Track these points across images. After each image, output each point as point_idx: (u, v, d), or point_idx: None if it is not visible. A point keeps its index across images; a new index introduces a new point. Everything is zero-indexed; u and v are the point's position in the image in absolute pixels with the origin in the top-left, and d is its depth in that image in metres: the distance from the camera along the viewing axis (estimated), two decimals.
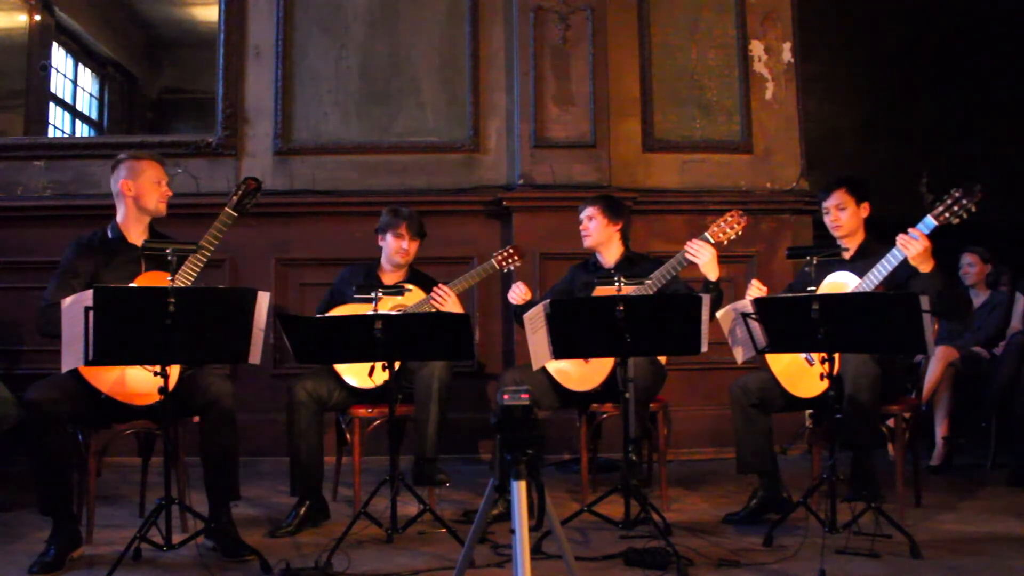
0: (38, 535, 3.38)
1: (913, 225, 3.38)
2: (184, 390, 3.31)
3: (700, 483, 4.54)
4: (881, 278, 3.48)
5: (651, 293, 3.77)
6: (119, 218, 3.60)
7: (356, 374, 3.84)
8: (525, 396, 2.33)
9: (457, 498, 4.18)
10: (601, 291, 3.82)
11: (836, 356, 3.16)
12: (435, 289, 4.00)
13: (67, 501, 3.21)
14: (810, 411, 3.81)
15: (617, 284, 3.53)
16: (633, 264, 4.08)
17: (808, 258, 3.38)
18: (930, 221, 3.35)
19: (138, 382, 3.27)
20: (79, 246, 3.55)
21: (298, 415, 3.78)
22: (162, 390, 3.03)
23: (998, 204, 4.23)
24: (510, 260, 4.13)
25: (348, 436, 3.96)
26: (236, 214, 3.59)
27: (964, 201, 3.30)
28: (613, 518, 3.47)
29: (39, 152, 5.51)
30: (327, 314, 4.01)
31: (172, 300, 2.92)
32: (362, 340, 3.24)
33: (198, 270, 3.43)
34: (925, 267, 3.40)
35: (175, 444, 3.40)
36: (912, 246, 3.36)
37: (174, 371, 3.21)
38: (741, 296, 3.70)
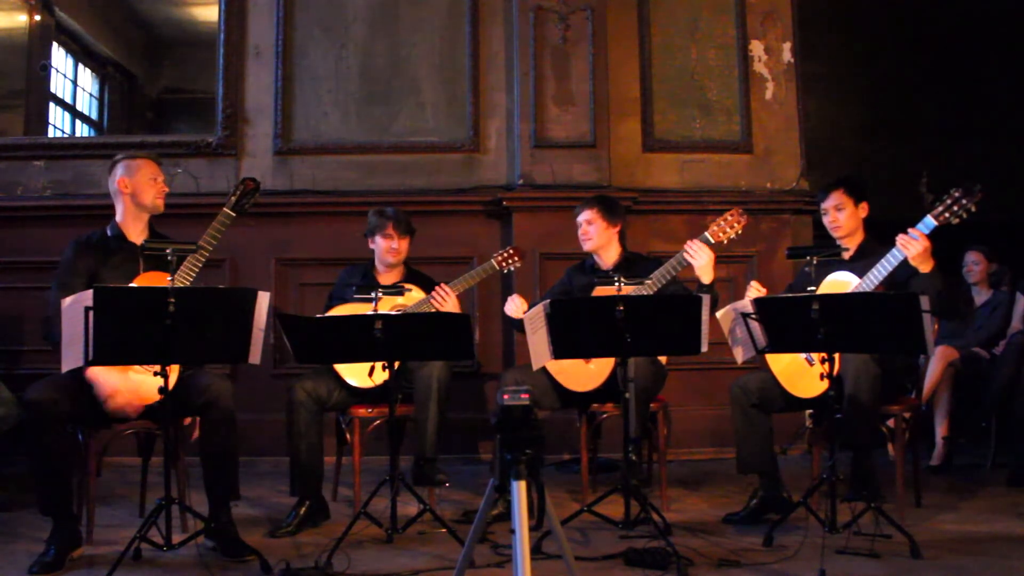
0: (38, 535, 3.38)
1: (913, 225, 3.38)
2: (183, 390, 3.31)
3: (700, 483, 4.54)
4: (881, 278, 3.48)
5: (651, 293, 3.77)
6: (118, 217, 3.62)
7: (356, 374, 3.84)
8: (525, 396, 2.33)
9: (457, 498, 4.18)
10: (601, 291, 3.82)
11: (836, 356, 3.16)
12: (436, 289, 4.00)
13: (67, 501, 3.21)
14: (810, 411, 3.81)
15: (617, 284, 3.53)
16: (632, 265, 4.07)
17: (808, 258, 3.38)
18: (930, 221, 3.35)
19: (139, 389, 3.28)
20: (78, 245, 3.57)
21: (297, 415, 3.78)
22: (162, 390, 3.04)
23: (998, 204, 4.24)
24: (510, 261, 4.13)
25: (348, 436, 3.95)
26: (234, 214, 3.61)
27: (964, 201, 3.30)
28: (613, 518, 3.47)
29: (39, 152, 5.51)
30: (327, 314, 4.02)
31: (172, 300, 2.92)
32: (362, 340, 3.24)
33: (197, 270, 3.45)
34: (925, 267, 3.40)
35: (175, 444, 3.40)
36: (912, 246, 3.36)
37: (173, 371, 3.21)
38: (741, 296, 3.70)
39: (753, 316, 3.29)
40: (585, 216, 4.10)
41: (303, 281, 5.34)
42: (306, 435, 3.76)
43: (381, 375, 3.40)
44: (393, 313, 3.52)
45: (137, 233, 3.59)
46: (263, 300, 3.11)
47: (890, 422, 3.79)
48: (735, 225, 3.84)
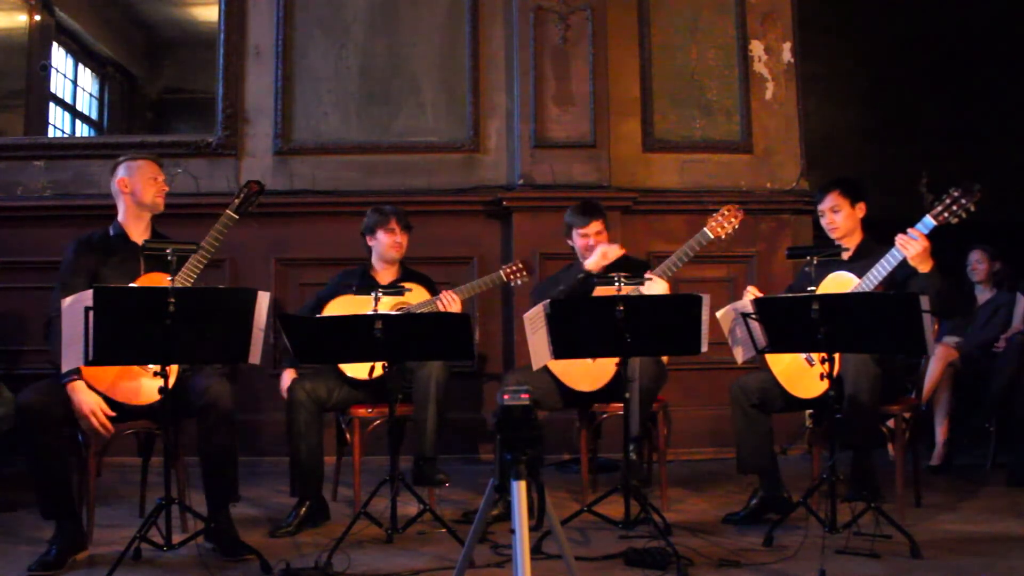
0: (39, 535, 3.39)
1: (913, 225, 3.38)
2: (182, 391, 3.31)
3: (700, 483, 4.54)
4: (880, 278, 3.48)
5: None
6: (120, 217, 3.64)
7: (354, 366, 3.86)
8: (525, 396, 2.33)
9: (457, 498, 4.18)
10: (601, 291, 3.82)
11: (836, 356, 3.16)
12: (442, 294, 4.04)
13: (68, 503, 3.20)
14: (810, 411, 3.82)
15: (617, 284, 3.53)
16: (631, 268, 4.07)
17: (808, 258, 3.38)
18: (929, 221, 3.35)
19: (135, 384, 3.28)
20: (79, 244, 3.59)
21: (297, 415, 3.78)
22: (162, 390, 3.04)
23: (999, 204, 4.24)
24: (518, 275, 4.19)
25: (348, 436, 3.96)
26: (237, 216, 3.63)
27: (963, 201, 3.30)
28: (613, 518, 3.47)
29: (39, 152, 5.51)
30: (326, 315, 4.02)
31: (172, 300, 2.92)
32: (362, 340, 3.23)
33: (199, 271, 3.46)
34: (924, 267, 3.41)
35: (175, 444, 3.40)
36: (911, 246, 3.36)
37: (172, 371, 3.21)
38: (740, 297, 3.70)
39: (753, 316, 3.29)
40: (595, 228, 4.16)
41: (303, 281, 5.33)
42: (306, 435, 3.77)
43: (380, 369, 3.43)
44: (393, 313, 3.52)
45: (139, 233, 3.61)
46: (263, 300, 3.11)
47: (890, 422, 3.79)
48: (732, 220, 3.93)
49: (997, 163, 7.60)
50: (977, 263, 5.27)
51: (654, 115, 5.55)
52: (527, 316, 3.55)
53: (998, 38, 8.04)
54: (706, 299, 3.31)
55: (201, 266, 3.46)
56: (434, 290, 4.20)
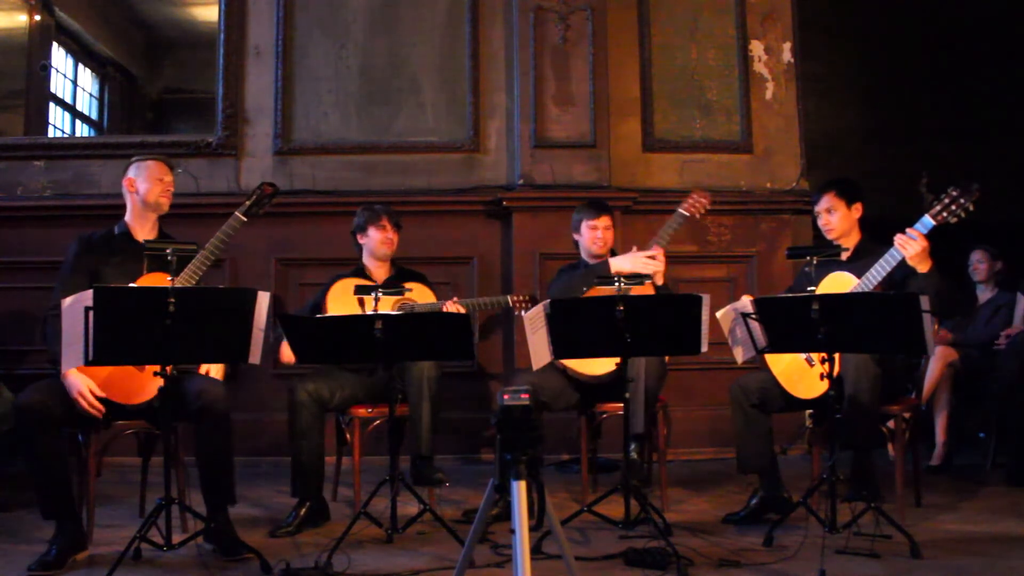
0: (40, 535, 3.39)
1: (912, 225, 3.38)
2: (178, 394, 3.30)
3: (700, 483, 4.54)
4: (880, 278, 3.48)
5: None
6: (126, 216, 3.67)
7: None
8: (525, 396, 2.33)
9: (457, 498, 4.18)
10: (600, 291, 3.82)
11: (836, 356, 3.16)
12: (448, 304, 4.08)
13: (68, 503, 3.20)
14: (810, 411, 3.82)
15: (617, 284, 3.53)
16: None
17: (808, 258, 3.38)
18: (928, 221, 3.35)
19: (130, 380, 3.29)
20: (81, 242, 3.61)
21: (299, 416, 3.78)
22: (161, 390, 3.04)
23: (999, 204, 4.24)
24: (524, 305, 4.25)
25: (348, 436, 3.96)
26: (245, 219, 3.66)
27: (962, 200, 3.30)
28: (613, 518, 3.47)
29: (39, 152, 5.51)
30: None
31: (172, 300, 2.92)
32: (362, 340, 3.24)
33: (203, 271, 3.48)
34: (923, 267, 3.41)
35: (175, 444, 3.41)
36: (910, 246, 3.36)
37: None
38: (740, 297, 3.70)
39: (753, 316, 3.29)
40: (605, 223, 4.17)
41: (303, 281, 5.33)
42: (308, 436, 3.77)
43: None
44: (393, 313, 3.52)
45: (144, 233, 3.63)
46: (263, 300, 3.11)
47: (890, 422, 3.79)
48: (702, 200, 4.06)
49: (997, 163, 7.60)
50: (978, 263, 5.27)
51: (654, 115, 5.55)
52: (527, 316, 3.55)
53: (998, 38, 8.04)
54: (706, 299, 3.31)
55: (206, 267, 3.48)
56: (430, 288, 4.23)
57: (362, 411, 3.88)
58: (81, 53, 8.46)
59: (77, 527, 3.21)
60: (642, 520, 3.42)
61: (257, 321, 3.10)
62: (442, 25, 5.54)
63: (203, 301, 3.10)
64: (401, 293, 3.80)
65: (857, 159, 7.74)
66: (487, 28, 5.53)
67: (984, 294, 5.25)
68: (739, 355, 3.51)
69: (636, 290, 3.49)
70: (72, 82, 8.42)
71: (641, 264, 3.94)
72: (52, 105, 7.98)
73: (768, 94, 5.60)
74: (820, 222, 3.86)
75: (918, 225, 3.37)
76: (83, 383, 3.21)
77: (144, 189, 3.61)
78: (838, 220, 3.79)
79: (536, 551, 3.15)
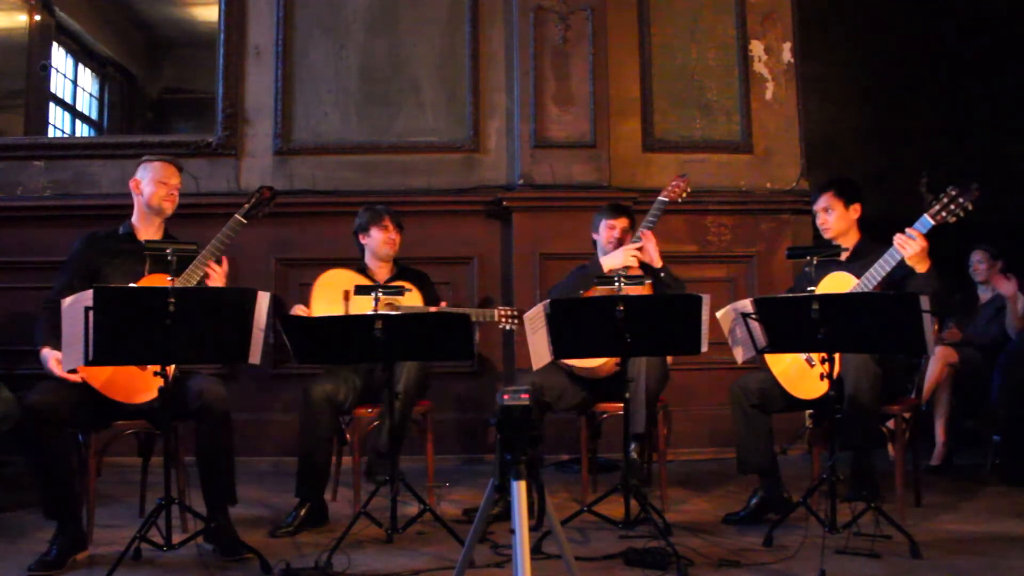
0: (40, 535, 3.39)
1: (911, 224, 3.38)
2: (177, 393, 3.30)
3: (700, 483, 4.54)
4: (879, 278, 3.48)
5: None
6: (132, 216, 3.68)
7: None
8: (525, 396, 2.33)
9: (457, 498, 4.18)
10: (600, 291, 3.82)
11: (836, 356, 3.16)
12: (433, 310, 4.03)
13: (71, 504, 3.21)
14: (810, 411, 3.82)
15: (617, 284, 3.53)
16: (643, 271, 4.07)
17: (808, 258, 3.38)
18: (927, 220, 3.36)
19: (131, 380, 3.29)
20: (87, 239, 3.64)
21: (313, 416, 3.77)
22: (162, 390, 3.04)
23: (999, 204, 4.24)
24: (510, 321, 4.19)
25: (348, 436, 3.96)
26: (246, 221, 3.67)
27: (961, 200, 3.30)
28: (613, 518, 3.47)
29: (39, 152, 5.51)
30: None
31: (172, 300, 2.92)
32: (362, 340, 3.23)
33: (204, 272, 3.48)
34: (921, 267, 3.41)
35: (175, 444, 3.40)
36: (909, 246, 3.37)
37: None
38: (740, 297, 3.70)
39: (753, 316, 3.29)
40: (623, 224, 4.21)
41: (303, 281, 5.30)
42: (320, 437, 3.77)
43: None
44: (393, 313, 3.52)
45: (149, 234, 3.64)
46: (263, 300, 3.11)
47: (890, 422, 3.79)
48: (681, 183, 4.21)
49: (997, 163, 7.59)
50: (978, 263, 5.27)
51: (654, 115, 5.55)
52: (527, 316, 3.56)
53: (998, 38, 8.04)
54: (706, 299, 3.31)
55: (206, 267, 3.49)
56: (431, 288, 4.24)
57: (362, 411, 3.88)
58: (81, 53, 8.45)
59: (77, 527, 3.21)
60: (642, 520, 3.42)
61: (257, 321, 3.10)
62: (442, 25, 5.54)
63: (203, 301, 3.10)
64: (401, 293, 3.80)
65: (857, 159, 7.74)
66: (487, 28, 5.53)
67: (985, 294, 5.25)
68: (739, 355, 3.51)
69: (636, 290, 3.50)
70: (72, 82, 8.42)
71: (630, 256, 4.02)
72: (52, 105, 7.97)
73: (768, 94, 5.60)
74: (818, 221, 3.88)
75: (917, 225, 3.37)
76: (53, 358, 3.26)
77: (148, 192, 3.62)
78: (835, 219, 3.79)
79: (536, 551, 3.15)
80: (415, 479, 3.71)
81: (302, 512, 3.67)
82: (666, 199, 4.19)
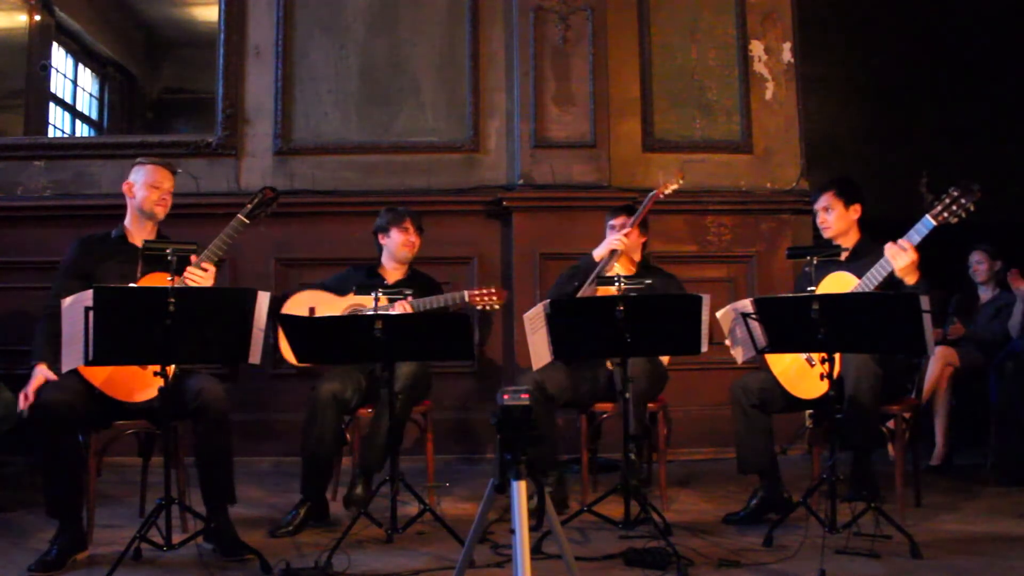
0: (41, 535, 3.39)
1: (913, 224, 3.38)
2: (176, 393, 3.29)
3: (700, 483, 4.54)
4: (878, 282, 3.48)
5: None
6: (125, 219, 3.67)
7: None
8: (525, 396, 2.33)
9: (457, 498, 4.17)
10: (601, 291, 3.83)
11: (837, 356, 3.16)
12: (397, 303, 3.94)
13: (76, 503, 3.21)
14: (810, 411, 3.82)
15: (617, 284, 3.53)
16: (651, 274, 4.05)
17: (808, 258, 3.38)
18: (929, 221, 3.35)
19: (131, 378, 3.29)
20: (81, 243, 3.63)
21: (321, 416, 3.76)
22: (162, 390, 3.04)
23: (998, 205, 4.23)
24: (487, 299, 4.10)
25: (348, 436, 3.95)
26: (248, 221, 3.65)
27: (963, 201, 3.30)
28: (613, 518, 3.47)
29: (39, 152, 5.50)
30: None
31: (172, 300, 2.92)
32: (362, 340, 3.23)
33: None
34: (911, 279, 3.41)
35: (175, 444, 3.40)
36: (900, 257, 3.38)
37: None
38: (741, 297, 3.70)
39: (753, 316, 3.29)
40: (621, 221, 4.20)
41: (303, 281, 5.30)
42: (326, 437, 3.76)
43: None
44: (394, 313, 3.52)
45: (142, 237, 3.62)
46: (263, 300, 3.11)
47: (890, 422, 3.79)
48: (672, 176, 4.25)
49: (997, 163, 7.59)
50: (978, 263, 5.28)
51: (654, 115, 5.54)
52: (527, 316, 3.56)
53: (998, 38, 8.04)
54: (706, 299, 3.31)
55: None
56: (437, 292, 4.22)
57: (362, 411, 3.88)
58: (81, 53, 8.45)
59: (78, 527, 3.21)
60: (642, 520, 3.42)
61: (257, 321, 3.10)
62: (442, 25, 5.53)
63: (203, 301, 3.10)
64: (401, 295, 3.80)
65: (857, 159, 7.74)
66: (487, 28, 5.53)
67: (985, 294, 5.25)
68: (739, 355, 3.51)
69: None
70: (72, 82, 8.42)
71: (615, 243, 4.07)
72: (52, 105, 7.97)
73: (768, 94, 5.59)
74: (818, 220, 3.89)
75: (913, 232, 3.37)
76: (31, 386, 3.30)
77: (140, 196, 3.60)
78: (834, 219, 3.80)
79: (536, 551, 3.15)
80: (415, 479, 3.72)
81: (302, 511, 3.67)
82: (659, 197, 4.25)
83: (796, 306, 3.14)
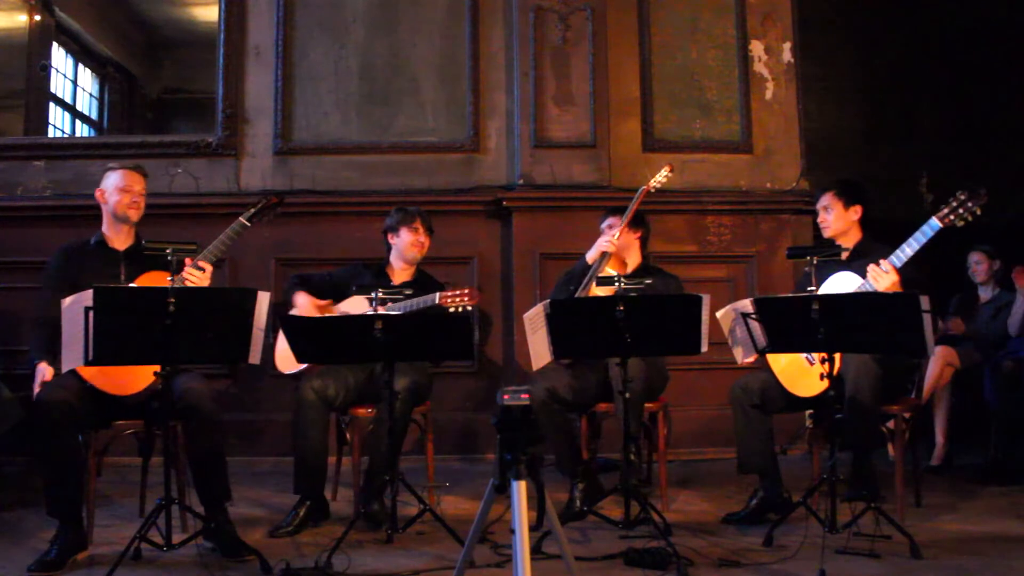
0: (41, 535, 3.39)
1: (915, 225, 3.38)
2: (165, 393, 3.28)
3: (700, 483, 4.54)
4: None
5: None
6: (103, 225, 3.68)
7: None
8: (525, 396, 2.33)
9: (457, 498, 4.18)
10: (600, 292, 3.83)
11: (837, 356, 3.16)
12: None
13: (76, 503, 3.21)
14: (810, 411, 3.82)
15: (617, 284, 3.53)
16: (652, 274, 4.05)
17: (808, 258, 3.38)
18: (935, 223, 3.36)
19: (121, 372, 3.30)
20: (60, 252, 3.65)
21: (305, 414, 3.78)
22: (157, 392, 3.04)
23: (999, 204, 4.22)
24: (459, 300, 3.88)
25: (348, 436, 3.96)
26: (249, 224, 3.66)
27: (969, 204, 3.31)
28: (613, 518, 3.47)
29: (39, 152, 5.50)
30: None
31: (172, 300, 2.93)
32: (362, 340, 3.24)
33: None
34: None
35: (174, 444, 3.40)
36: (882, 279, 3.40)
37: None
38: (741, 297, 3.70)
39: (753, 316, 3.29)
40: (610, 222, 4.21)
41: None
42: (312, 435, 3.76)
43: None
44: (394, 313, 3.52)
45: (119, 242, 3.64)
46: (263, 300, 3.12)
47: (890, 422, 3.79)
48: (662, 170, 4.35)
49: (997, 163, 7.59)
50: (976, 264, 5.27)
51: (654, 115, 5.54)
52: (527, 316, 3.56)
53: (998, 38, 8.03)
54: (706, 299, 3.31)
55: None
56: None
57: (362, 411, 3.88)
58: (81, 53, 8.45)
59: (79, 527, 3.21)
60: (642, 520, 3.42)
61: (257, 321, 3.10)
62: (442, 25, 5.53)
63: (203, 301, 3.10)
64: (401, 296, 3.80)
65: (857, 159, 7.73)
66: (487, 28, 5.53)
67: (985, 294, 5.25)
68: (739, 355, 3.52)
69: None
70: (72, 82, 8.42)
71: (604, 244, 4.07)
72: (52, 105, 7.97)
73: (768, 94, 5.59)
74: (819, 219, 3.91)
75: (911, 240, 3.39)
76: (40, 378, 3.33)
77: (112, 201, 3.61)
78: (834, 219, 3.82)
79: (536, 551, 3.15)
80: (415, 479, 3.72)
81: (302, 510, 3.68)
82: (651, 190, 4.28)
83: (796, 306, 3.14)
